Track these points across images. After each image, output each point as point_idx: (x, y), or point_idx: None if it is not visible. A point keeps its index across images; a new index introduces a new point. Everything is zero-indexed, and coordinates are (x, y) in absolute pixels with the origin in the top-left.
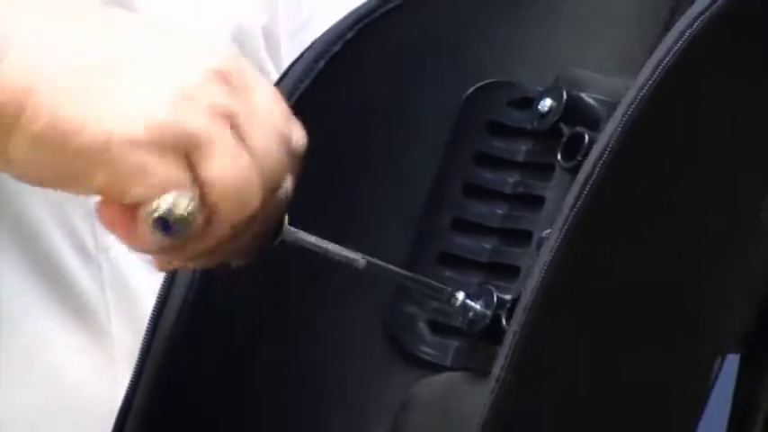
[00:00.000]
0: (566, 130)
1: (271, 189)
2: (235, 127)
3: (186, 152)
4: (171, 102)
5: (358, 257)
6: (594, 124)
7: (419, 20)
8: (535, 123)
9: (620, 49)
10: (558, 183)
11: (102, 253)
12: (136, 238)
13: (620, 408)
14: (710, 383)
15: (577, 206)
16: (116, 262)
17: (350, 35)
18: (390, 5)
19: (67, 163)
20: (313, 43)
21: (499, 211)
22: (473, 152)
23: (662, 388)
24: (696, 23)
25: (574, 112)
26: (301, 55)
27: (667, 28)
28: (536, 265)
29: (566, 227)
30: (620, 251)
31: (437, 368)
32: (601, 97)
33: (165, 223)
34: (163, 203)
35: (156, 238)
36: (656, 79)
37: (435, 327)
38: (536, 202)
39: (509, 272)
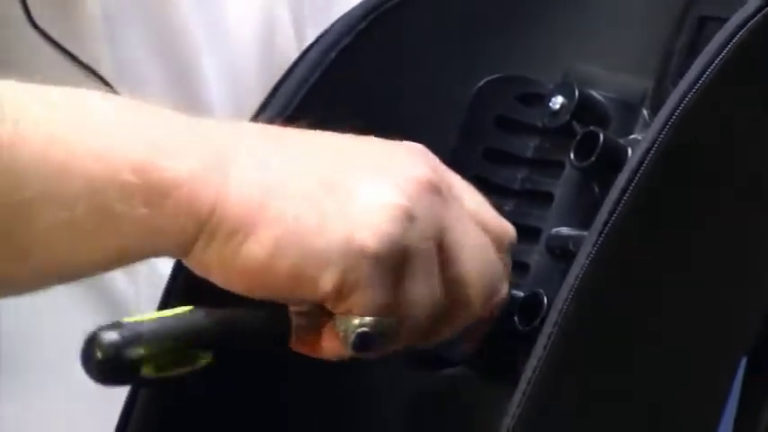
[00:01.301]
0: (577, 127)
1: (488, 296)
2: (447, 241)
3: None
4: (396, 217)
5: None
6: (605, 122)
7: (431, 12)
8: (546, 120)
9: (632, 48)
10: (567, 180)
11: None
12: (320, 346)
13: (648, 412)
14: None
15: (619, 208)
16: (153, 263)
17: (362, 26)
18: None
19: (302, 265)
20: (324, 33)
21: (507, 207)
22: (482, 147)
23: (690, 388)
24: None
25: (585, 109)
26: (311, 45)
27: (680, 28)
28: (573, 267)
29: (606, 228)
30: (657, 253)
31: (446, 365)
32: (609, 95)
33: (365, 339)
34: (368, 320)
35: (347, 350)
36: (704, 81)
37: None
38: (544, 198)
39: (517, 268)
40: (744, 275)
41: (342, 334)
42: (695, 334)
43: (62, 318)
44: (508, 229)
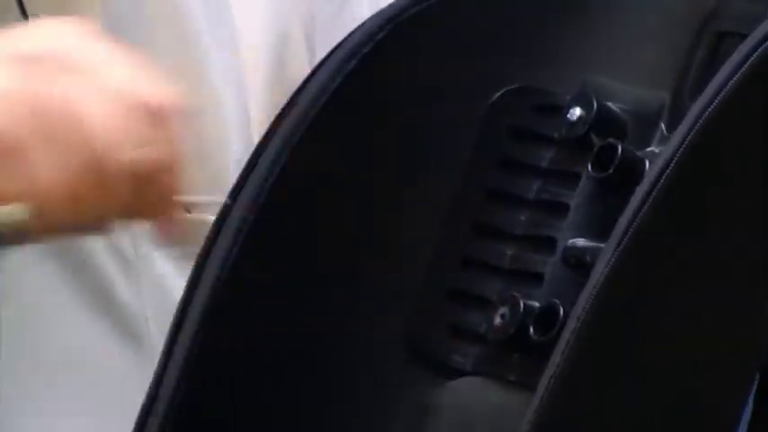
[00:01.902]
0: (594, 139)
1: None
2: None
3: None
4: None
5: None
6: (622, 134)
7: (450, 21)
8: (563, 131)
9: (651, 60)
10: (583, 191)
11: (141, 260)
12: None
13: (663, 423)
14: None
15: (638, 219)
16: (155, 269)
17: (381, 35)
18: (422, 6)
19: None
20: (343, 42)
21: (522, 218)
22: (498, 157)
23: (704, 400)
24: None
25: (602, 121)
26: (330, 54)
27: (697, 43)
28: (591, 277)
29: (625, 239)
30: (675, 264)
31: (458, 373)
32: (626, 107)
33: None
34: None
35: None
36: (725, 95)
37: (457, 332)
38: (560, 209)
39: (531, 279)
40: (761, 287)
41: None
42: (711, 345)
43: (64, 322)
44: (157, 96)
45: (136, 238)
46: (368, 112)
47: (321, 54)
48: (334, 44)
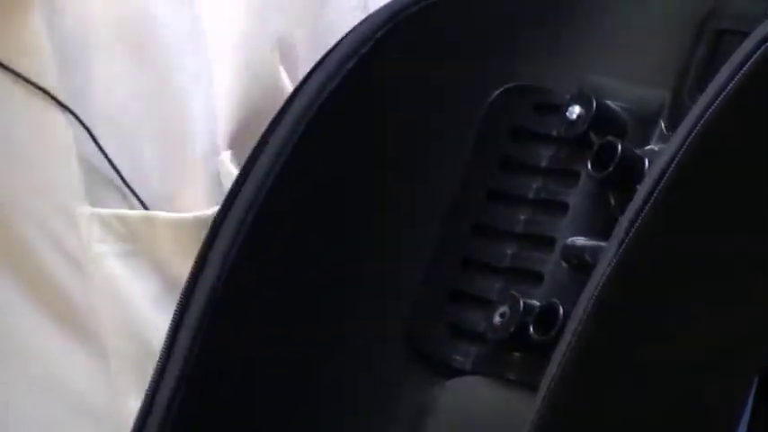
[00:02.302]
0: (594, 138)
1: None
2: None
3: None
4: None
5: None
6: (621, 133)
7: (449, 21)
8: (563, 130)
9: (650, 58)
10: (583, 190)
11: (90, 261)
12: None
13: (663, 423)
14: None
15: (640, 217)
16: (105, 270)
17: (380, 34)
18: (421, 5)
19: None
20: (341, 42)
21: (522, 217)
22: (497, 156)
23: (705, 401)
24: None
25: (602, 120)
26: (328, 53)
27: (697, 41)
28: (593, 276)
29: (627, 237)
30: (677, 263)
31: (457, 373)
32: (626, 106)
33: None
34: None
35: None
36: (727, 93)
37: (456, 331)
38: (559, 208)
39: (531, 278)
40: (762, 287)
41: None
42: (712, 345)
43: (13, 323)
44: None
45: (84, 238)
46: (366, 112)
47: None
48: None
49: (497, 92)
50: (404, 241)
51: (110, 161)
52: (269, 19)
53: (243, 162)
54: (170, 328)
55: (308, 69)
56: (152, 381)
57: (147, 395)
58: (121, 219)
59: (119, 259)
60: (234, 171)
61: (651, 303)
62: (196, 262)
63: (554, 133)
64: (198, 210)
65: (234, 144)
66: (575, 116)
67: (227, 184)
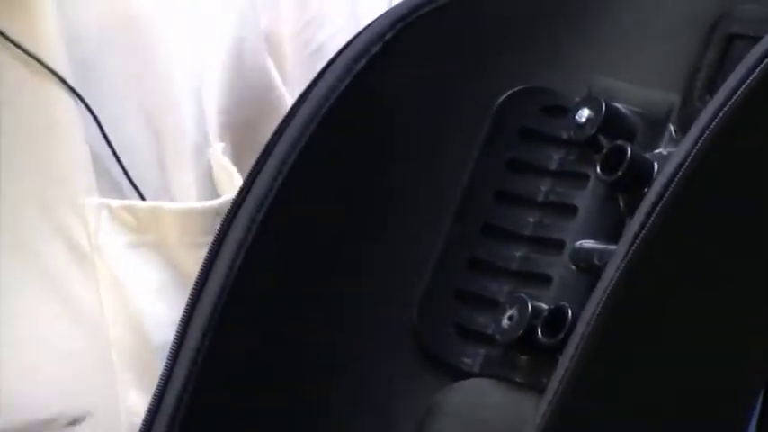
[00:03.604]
0: (603, 141)
1: None
2: None
3: None
4: None
5: None
6: (630, 136)
7: (459, 22)
8: (572, 133)
9: (660, 62)
10: (592, 193)
11: (96, 252)
12: None
13: (670, 428)
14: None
15: (650, 221)
16: (110, 261)
17: (389, 35)
18: (432, 6)
19: None
20: (351, 42)
21: (530, 219)
22: (505, 158)
23: (710, 407)
24: None
25: (611, 123)
26: (338, 54)
27: (707, 45)
28: (602, 279)
29: (636, 241)
30: (686, 267)
31: (464, 374)
32: (635, 109)
33: None
34: None
35: None
36: (738, 97)
37: (464, 333)
38: (568, 210)
39: (539, 280)
40: None
41: None
42: (721, 347)
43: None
44: None
45: (90, 229)
46: (376, 113)
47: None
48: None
49: (506, 94)
50: (412, 242)
51: (113, 150)
52: (257, 12)
53: (234, 154)
54: (179, 325)
55: (295, 63)
56: (161, 379)
57: (155, 393)
58: (129, 209)
59: (125, 250)
60: (226, 163)
61: (660, 306)
62: (205, 262)
63: (563, 136)
64: (190, 201)
65: (225, 136)
66: (584, 119)
67: (220, 175)
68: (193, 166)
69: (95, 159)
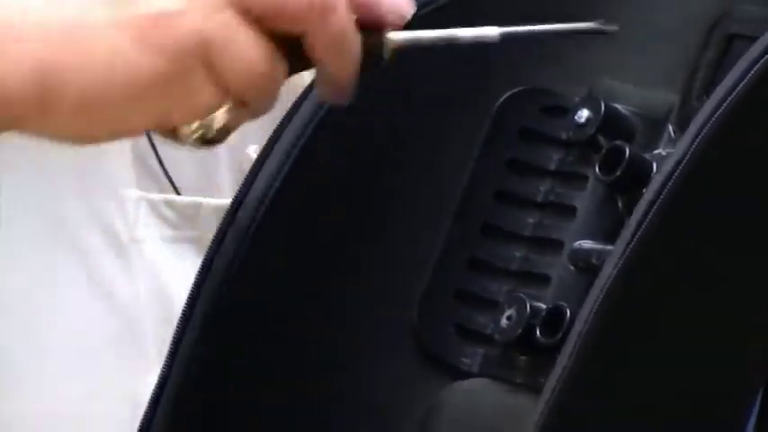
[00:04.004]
0: (602, 141)
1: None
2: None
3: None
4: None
5: (490, 31)
6: (630, 136)
7: (461, 22)
8: (571, 133)
9: (659, 62)
10: (591, 193)
11: (135, 244)
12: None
13: (669, 427)
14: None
15: (647, 220)
16: (148, 254)
17: None
18: (432, 7)
19: None
20: None
21: (530, 219)
22: (505, 158)
23: (709, 408)
24: None
25: (610, 123)
26: None
27: (707, 45)
28: (599, 278)
29: (633, 240)
30: (683, 267)
31: (464, 375)
32: (634, 109)
33: (205, 141)
34: (195, 126)
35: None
36: (735, 97)
37: (463, 333)
38: (567, 211)
39: (538, 280)
40: None
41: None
42: (719, 347)
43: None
44: None
45: (129, 221)
46: (376, 114)
47: None
48: None
49: (506, 95)
50: (412, 242)
51: (153, 146)
52: None
53: None
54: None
55: None
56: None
57: (154, 391)
58: (170, 203)
59: (164, 243)
60: None
61: (658, 305)
62: (205, 260)
63: (562, 136)
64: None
65: (259, 137)
66: (583, 119)
67: None
68: (229, 165)
69: (135, 154)
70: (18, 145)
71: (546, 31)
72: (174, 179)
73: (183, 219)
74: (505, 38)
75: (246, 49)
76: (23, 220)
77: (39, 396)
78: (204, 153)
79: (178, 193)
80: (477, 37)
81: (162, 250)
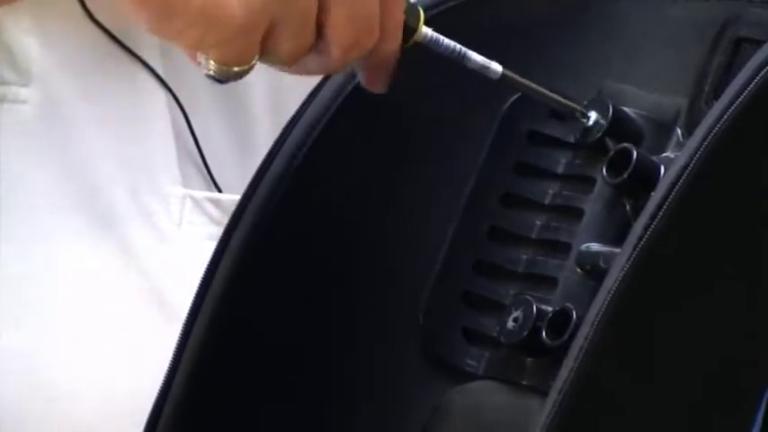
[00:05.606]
0: (610, 144)
1: None
2: None
3: None
4: None
5: (494, 65)
6: (638, 139)
7: (468, 25)
8: (579, 136)
9: (667, 66)
10: (599, 196)
11: (179, 240)
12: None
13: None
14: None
15: (654, 223)
16: (193, 251)
17: None
18: (440, 9)
19: None
20: None
21: (537, 222)
22: (513, 161)
23: (716, 410)
24: None
25: (618, 126)
26: None
27: (715, 49)
28: (606, 281)
29: (640, 243)
30: (690, 270)
31: (470, 377)
32: (642, 113)
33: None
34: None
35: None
36: (742, 101)
37: (469, 335)
38: (575, 213)
39: (545, 283)
40: None
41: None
42: (724, 353)
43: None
44: None
45: (174, 217)
46: (384, 114)
47: None
48: None
49: (514, 97)
50: (418, 244)
51: (197, 143)
52: None
53: None
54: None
55: None
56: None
57: (159, 392)
58: (214, 201)
59: (208, 241)
60: None
61: (664, 308)
62: (212, 258)
63: (570, 139)
64: None
65: None
66: (591, 122)
67: None
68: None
69: (180, 153)
70: (59, 142)
71: (538, 92)
72: (216, 178)
73: (226, 216)
74: (504, 79)
75: None
76: (69, 217)
77: (86, 395)
78: (246, 153)
79: (220, 190)
80: (482, 66)
81: (206, 248)
